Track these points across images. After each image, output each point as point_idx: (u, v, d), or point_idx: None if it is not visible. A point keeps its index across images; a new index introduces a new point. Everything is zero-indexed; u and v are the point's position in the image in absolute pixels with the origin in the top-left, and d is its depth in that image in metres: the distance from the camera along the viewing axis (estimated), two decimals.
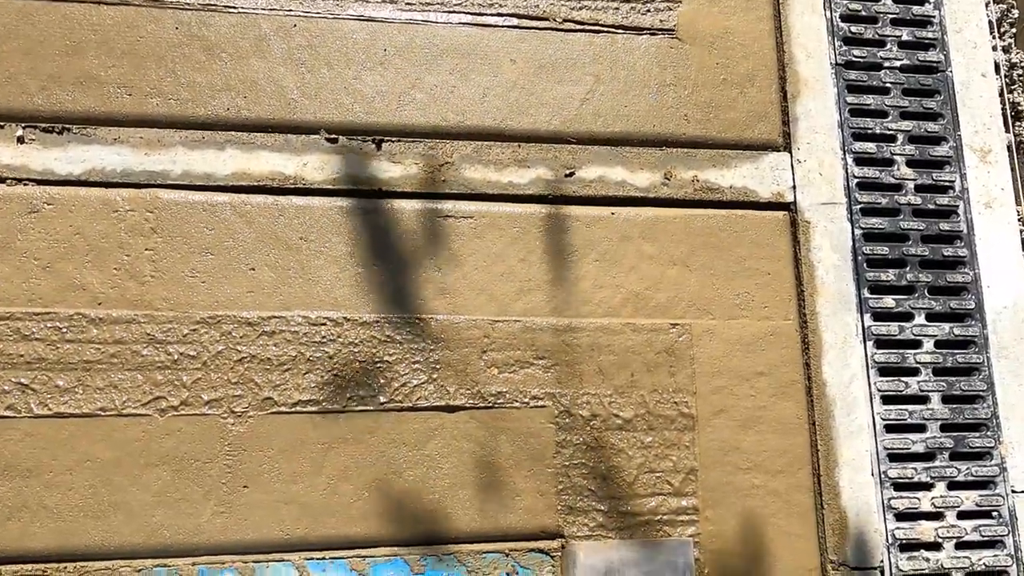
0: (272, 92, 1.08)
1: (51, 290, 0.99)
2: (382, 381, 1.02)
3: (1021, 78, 1.31)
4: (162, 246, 1.02)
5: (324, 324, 1.03)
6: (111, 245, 1.01)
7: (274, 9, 1.09)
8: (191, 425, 0.98)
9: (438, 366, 1.04)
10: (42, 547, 0.93)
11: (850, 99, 1.22)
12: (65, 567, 0.92)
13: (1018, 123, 1.30)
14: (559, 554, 1.01)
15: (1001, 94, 1.29)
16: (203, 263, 1.02)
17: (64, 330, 0.98)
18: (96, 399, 0.97)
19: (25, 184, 1.01)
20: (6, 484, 0.93)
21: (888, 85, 1.24)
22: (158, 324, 1.00)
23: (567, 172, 1.13)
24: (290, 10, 1.09)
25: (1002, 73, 1.31)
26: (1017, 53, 1.32)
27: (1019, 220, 1.25)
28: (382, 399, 1.02)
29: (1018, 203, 1.26)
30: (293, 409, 1.00)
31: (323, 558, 0.97)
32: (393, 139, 1.10)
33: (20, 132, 1.02)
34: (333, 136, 1.09)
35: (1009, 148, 1.27)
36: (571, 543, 1.01)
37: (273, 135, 1.08)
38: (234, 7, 1.08)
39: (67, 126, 1.03)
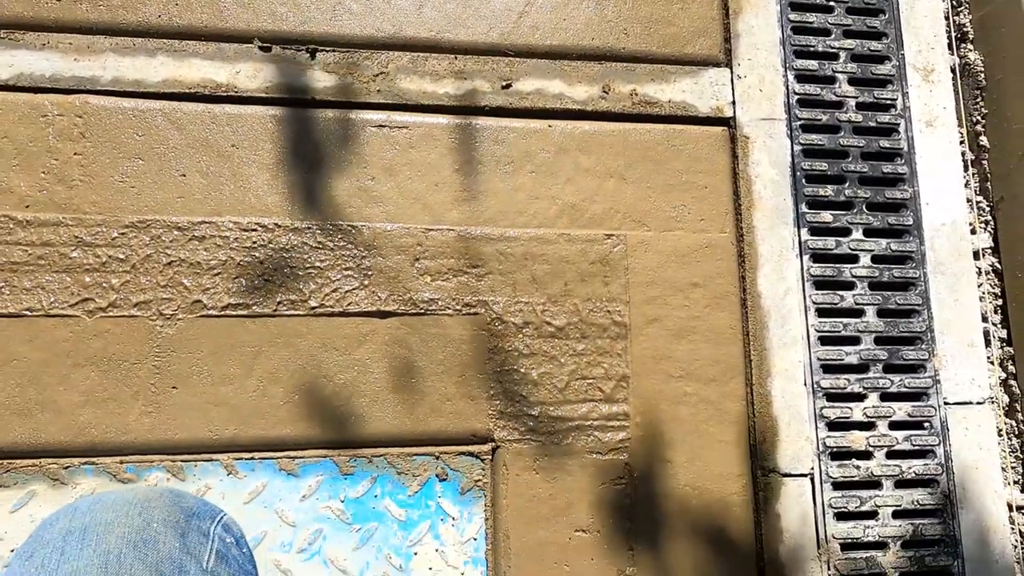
0: (205, 0, 1.07)
1: None
2: (313, 287, 1.02)
3: (968, 0, 1.30)
4: (91, 151, 1.02)
5: (255, 230, 1.03)
6: (39, 149, 1.01)
7: None
8: (119, 327, 0.98)
9: (370, 273, 1.04)
10: None
11: (793, 16, 1.22)
12: None
13: (963, 44, 1.30)
14: (489, 457, 1.02)
15: (947, 16, 1.29)
16: (133, 168, 1.02)
17: None
18: (23, 299, 0.97)
19: None
20: None
21: (832, 3, 1.24)
22: (86, 227, 0.99)
23: (504, 84, 1.12)
24: None
25: None
26: None
27: (961, 140, 1.25)
28: (313, 304, 1.02)
29: (960, 124, 1.26)
30: (223, 312, 1.00)
31: (252, 458, 0.98)
32: (328, 49, 1.09)
33: None
34: (267, 45, 1.08)
35: (953, 69, 1.27)
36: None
37: (205, 43, 1.07)
38: None
39: None
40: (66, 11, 1.04)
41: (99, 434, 0.96)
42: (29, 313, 0.96)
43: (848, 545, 1.07)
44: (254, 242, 1.02)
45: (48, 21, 1.04)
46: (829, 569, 1.06)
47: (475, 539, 0.99)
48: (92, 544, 0.53)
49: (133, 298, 0.99)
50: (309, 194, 1.05)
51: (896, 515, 1.10)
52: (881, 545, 1.08)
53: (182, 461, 0.96)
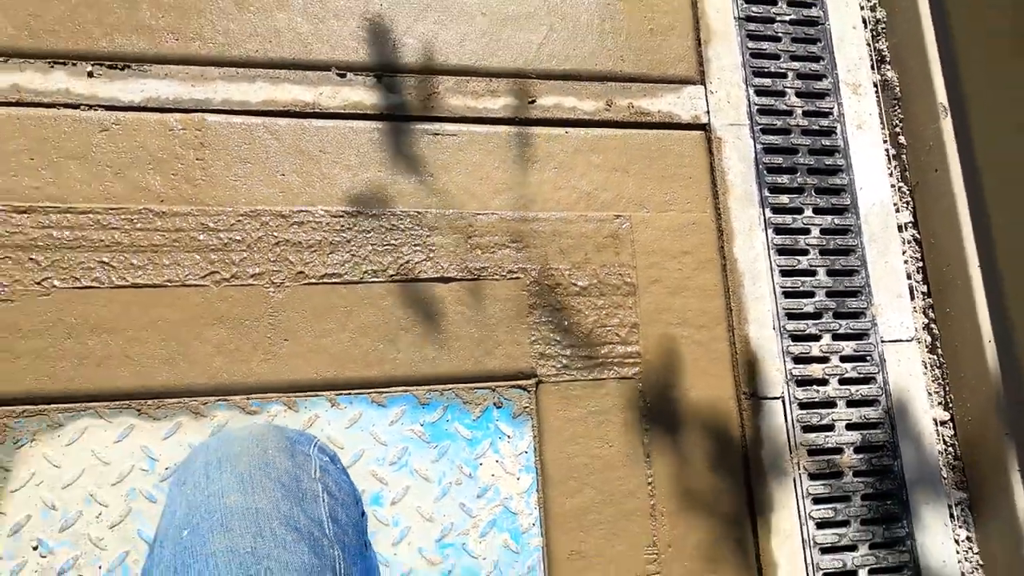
0: (292, 38, 1.36)
1: (122, 191, 1.24)
2: (390, 259, 1.30)
3: (884, 31, 1.66)
4: (209, 157, 1.28)
5: (342, 216, 1.30)
6: (168, 156, 1.27)
7: None
8: (240, 293, 1.24)
9: (433, 248, 1.32)
10: (127, 387, 1.17)
11: (750, 45, 1.55)
12: (146, 402, 1.17)
13: (883, 65, 1.65)
14: (533, 389, 1.30)
15: (868, 43, 1.64)
16: (243, 170, 1.29)
17: (135, 221, 1.22)
18: (164, 273, 1.22)
19: (96, 109, 1.26)
20: (95, 339, 1.18)
21: (780, 34, 1.58)
22: (210, 216, 1.25)
23: (530, 100, 1.42)
24: None
25: (869, 26, 1.66)
26: (880, 11, 1.67)
27: (884, 140, 1.59)
28: (391, 273, 1.29)
29: (883, 127, 1.60)
30: (321, 280, 1.27)
31: (349, 394, 1.24)
32: (390, 74, 1.38)
33: (90, 68, 1.27)
34: (342, 72, 1.36)
35: (875, 84, 1.62)
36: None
37: (294, 71, 1.35)
38: None
39: (127, 64, 1.29)
40: (184, 48, 1.31)
41: (228, 377, 1.21)
42: (169, 284, 1.22)
43: (813, 451, 1.37)
44: (342, 226, 1.29)
45: (169, 56, 1.31)
46: (799, 468, 1.35)
47: (526, 452, 1.26)
48: (228, 469, 0.68)
49: (249, 271, 1.25)
50: (382, 188, 1.33)
51: (849, 427, 1.40)
52: (838, 450, 1.38)
53: (295, 397, 1.22)
